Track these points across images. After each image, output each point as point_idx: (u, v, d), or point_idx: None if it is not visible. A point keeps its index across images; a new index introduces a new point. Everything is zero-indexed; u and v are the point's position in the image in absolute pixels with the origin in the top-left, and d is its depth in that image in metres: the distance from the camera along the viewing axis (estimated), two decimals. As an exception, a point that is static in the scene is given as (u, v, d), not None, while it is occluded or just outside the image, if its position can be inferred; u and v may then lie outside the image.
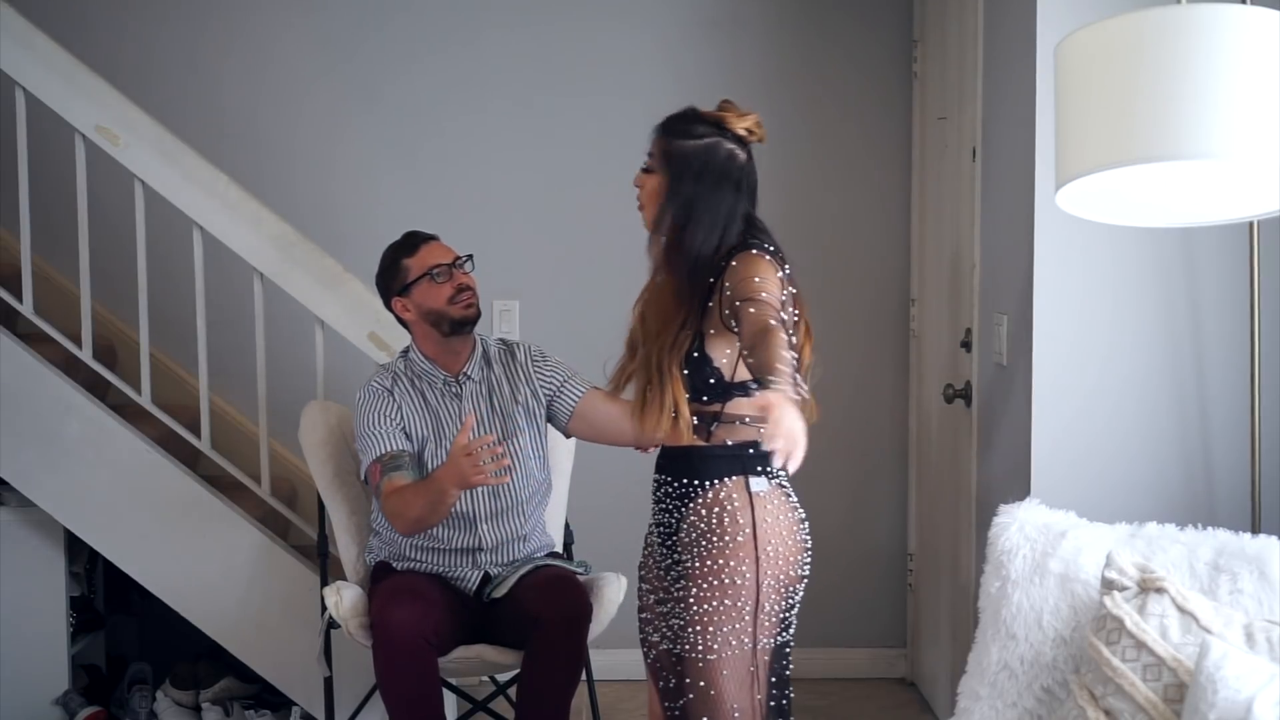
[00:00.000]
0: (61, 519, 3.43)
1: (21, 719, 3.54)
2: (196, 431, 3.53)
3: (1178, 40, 1.97)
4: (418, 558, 3.03)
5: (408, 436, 3.00)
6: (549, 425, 3.10)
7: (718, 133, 2.32)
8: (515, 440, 3.02)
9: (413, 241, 3.07)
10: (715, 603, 2.24)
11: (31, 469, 3.38)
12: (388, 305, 3.09)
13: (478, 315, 3.04)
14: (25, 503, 3.46)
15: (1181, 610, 2.02)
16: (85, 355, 3.46)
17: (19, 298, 3.47)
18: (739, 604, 2.24)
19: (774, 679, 2.32)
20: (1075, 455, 2.72)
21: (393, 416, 2.99)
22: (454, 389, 3.03)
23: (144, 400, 3.49)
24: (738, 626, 2.24)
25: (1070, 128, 2.13)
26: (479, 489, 2.97)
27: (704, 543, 2.27)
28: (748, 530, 2.25)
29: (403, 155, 4.18)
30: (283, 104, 4.18)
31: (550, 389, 3.06)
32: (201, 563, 3.42)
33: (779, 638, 2.32)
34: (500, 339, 3.16)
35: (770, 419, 1.88)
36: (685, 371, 2.26)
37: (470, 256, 3.07)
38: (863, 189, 4.20)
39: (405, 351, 3.10)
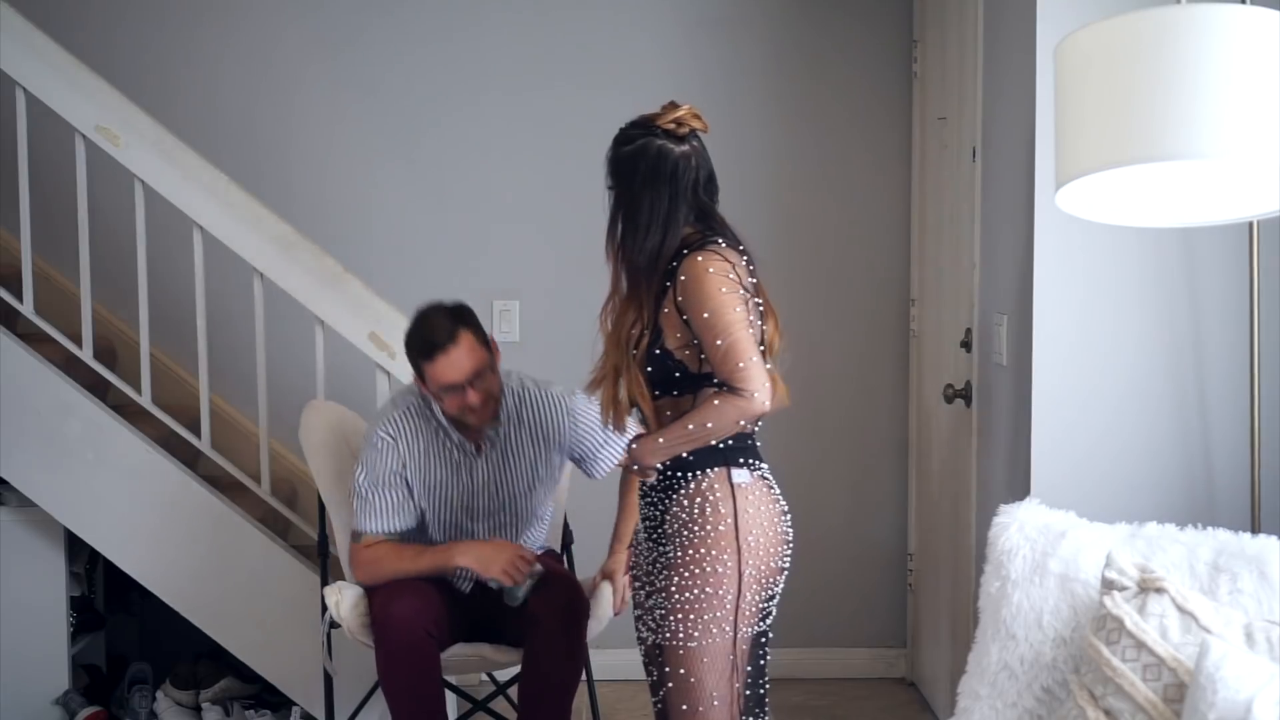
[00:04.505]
0: (61, 519, 3.43)
1: (21, 719, 3.54)
2: (196, 431, 3.53)
3: (1177, 40, 1.97)
4: None
5: (408, 484, 2.95)
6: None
7: (646, 134, 2.34)
8: (521, 500, 3.01)
9: (430, 347, 2.79)
10: (696, 591, 2.27)
11: (31, 469, 3.38)
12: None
13: (491, 420, 2.91)
14: (25, 503, 3.46)
15: (1181, 610, 2.02)
16: (85, 355, 3.46)
17: (19, 298, 3.47)
18: (720, 593, 2.27)
19: (752, 668, 2.36)
20: (1075, 455, 2.72)
21: (397, 483, 2.93)
22: (469, 447, 2.96)
23: (144, 400, 3.49)
24: (718, 615, 2.27)
25: (1070, 128, 2.13)
26: (478, 504, 2.99)
27: (686, 533, 2.30)
28: (729, 521, 2.28)
29: (402, 155, 4.19)
30: (282, 103, 4.18)
31: (585, 451, 3.03)
32: (201, 563, 3.42)
33: (758, 627, 2.36)
34: (533, 380, 3.02)
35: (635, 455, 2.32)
36: (649, 369, 2.31)
37: (492, 367, 2.86)
38: (863, 189, 4.20)
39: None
